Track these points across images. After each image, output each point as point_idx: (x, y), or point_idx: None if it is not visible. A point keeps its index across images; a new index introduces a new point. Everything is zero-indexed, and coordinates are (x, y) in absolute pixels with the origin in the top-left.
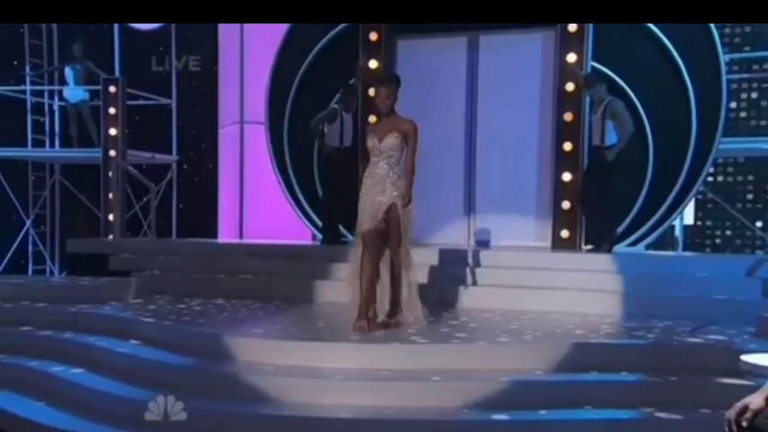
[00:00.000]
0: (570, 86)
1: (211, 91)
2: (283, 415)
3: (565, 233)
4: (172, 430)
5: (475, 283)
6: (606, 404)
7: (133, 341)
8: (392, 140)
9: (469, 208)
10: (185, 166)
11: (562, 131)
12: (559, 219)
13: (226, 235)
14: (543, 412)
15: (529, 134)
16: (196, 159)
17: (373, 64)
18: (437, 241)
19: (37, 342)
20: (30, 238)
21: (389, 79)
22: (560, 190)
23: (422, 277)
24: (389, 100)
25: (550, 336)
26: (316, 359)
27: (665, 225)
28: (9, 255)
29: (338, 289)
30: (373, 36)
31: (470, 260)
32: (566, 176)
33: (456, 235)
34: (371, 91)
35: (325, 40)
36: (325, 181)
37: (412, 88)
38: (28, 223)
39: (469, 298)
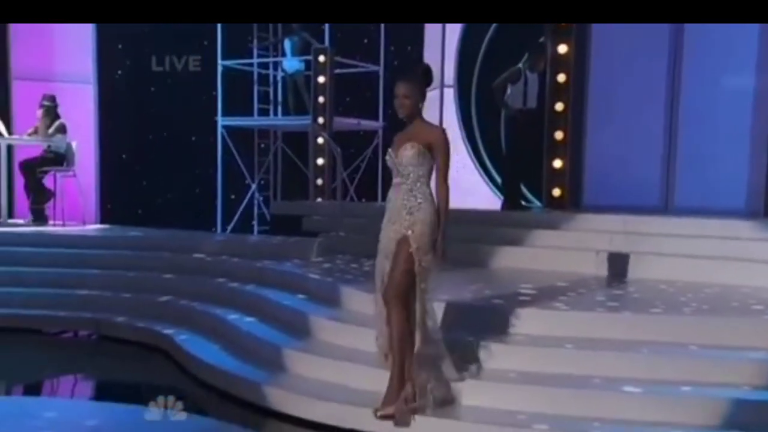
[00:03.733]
0: None
1: (418, 56)
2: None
3: None
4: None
5: (664, 252)
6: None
7: (300, 295)
8: (409, 152)
9: (668, 167)
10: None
11: None
12: None
13: None
14: (686, 388)
15: (745, 81)
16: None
17: None
18: (624, 204)
19: (225, 292)
20: (255, 201)
21: (409, 72)
22: None
23: (607, 244)
24: (408, 101)
25: (718, 310)
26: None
27: None
28: (237, 216)
29: (512, 255)
30: None
31: (664, 226)
32: None
33: (650, 196)
34: (562, 48)
35: None
36: (507, 143)
37: (609, 35)
38: (254, 186)
39: (651, 268)
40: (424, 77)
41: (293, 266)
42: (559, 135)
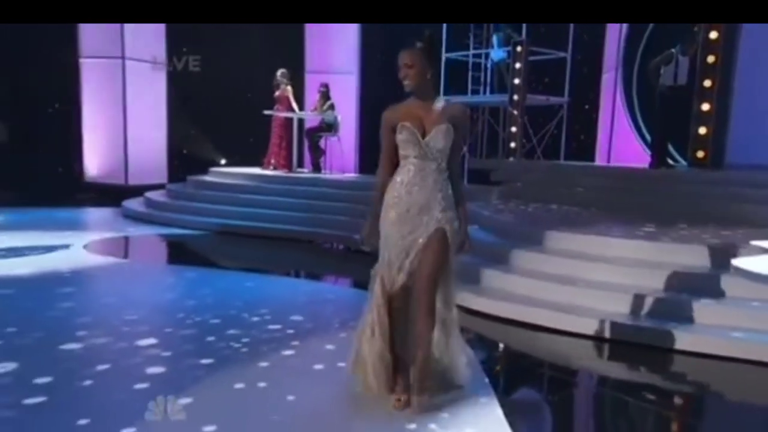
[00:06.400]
0: None
1: (598, 43)
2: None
3: None
4: None
5: None
6: None
7: (474, 226)
8: (446, 138)
9: None
10: (586, 106)
11: None
12: None
13: (602, 159)
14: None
15: None
16: (588, 99)
17: None
18: (763, 163)
19: None
20: (465, 161)
21: (415, 43)
22: None
23: (737, 194)
24: (412, 71)
25: None
26: (572, 244)
27: None
28: None
29: (652, 203)
30: None
31: None
32: None
33: None
34: (713, 34)
35: None
36: (659, 113)
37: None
38: (465, 148)
39: None
40: (428, 45)
41: (476, 206)
42: (705, 106)
